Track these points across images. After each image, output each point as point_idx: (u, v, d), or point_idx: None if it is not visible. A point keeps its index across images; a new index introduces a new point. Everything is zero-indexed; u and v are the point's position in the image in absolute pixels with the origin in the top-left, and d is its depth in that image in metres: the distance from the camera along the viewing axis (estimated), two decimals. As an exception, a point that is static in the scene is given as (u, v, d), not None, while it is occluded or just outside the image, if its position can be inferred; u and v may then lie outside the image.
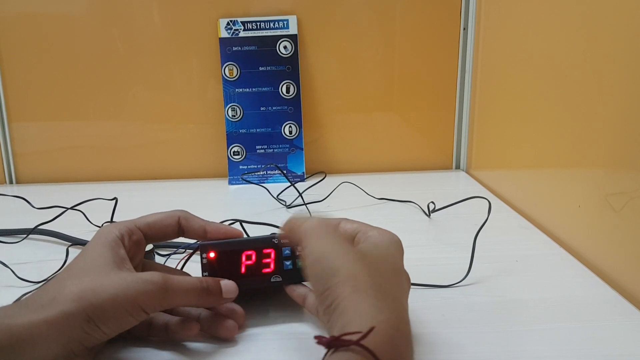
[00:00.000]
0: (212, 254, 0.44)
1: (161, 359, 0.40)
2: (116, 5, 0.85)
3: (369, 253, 0.37)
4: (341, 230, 0.43)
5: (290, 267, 0.44)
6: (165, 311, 0.42)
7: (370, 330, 0.29)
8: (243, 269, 0.43)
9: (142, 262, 0.44)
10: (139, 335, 0.41)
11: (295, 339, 0.42)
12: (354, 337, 0.29)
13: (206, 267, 0.43)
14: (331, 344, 0.29)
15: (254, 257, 0.44)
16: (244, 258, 0.44)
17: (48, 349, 0.33)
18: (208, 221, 0.45)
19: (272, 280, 0.44)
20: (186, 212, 0.45)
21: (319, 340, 0.29)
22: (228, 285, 0.41)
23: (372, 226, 0.42)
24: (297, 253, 0.43)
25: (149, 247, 0.50)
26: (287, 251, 0.44)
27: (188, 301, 0.39)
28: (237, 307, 0.43)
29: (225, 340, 0.42)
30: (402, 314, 0.34)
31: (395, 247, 0.39)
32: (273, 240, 0.44)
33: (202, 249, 0.44)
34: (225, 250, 0.44)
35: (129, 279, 0.36)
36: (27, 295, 0.36)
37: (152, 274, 0.37)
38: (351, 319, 0.31)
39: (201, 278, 0.41)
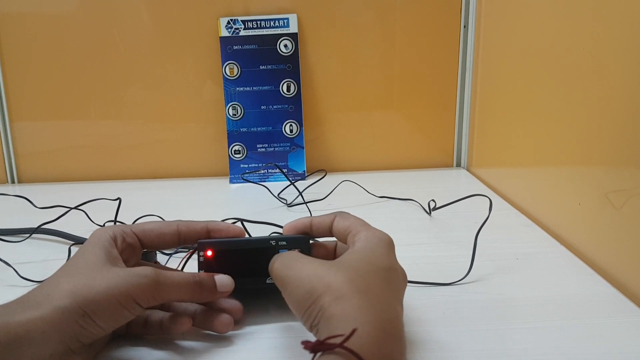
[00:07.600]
0: (209, 252, 0.44)
1: (159, 357, 0.40)
2: (117, 5, 0.85)
3: (350, 259, 0.37)
4: (334, 228, 0.43)
5: None
6: (162, 308, 0.43)
7: (353, 332, 0.30)
8: (239, 269, 0.44)
9: (138, 264, 0.44)
10: (136, 332, 0.42)
11: (294, 337, 0.42)
12: (338, 340, 0.29)
13: (203, 265, 0.44)
14: (316, 348, 0.29)
15: (250, 258, 0.44)
16: (240, 258, 0.44)
17: (44, 345, 0.34)
18: (209, 220, 0.46)
19: (267, 281, 0.44)
20: (186, 220, 0.46)
21: (305, 345, 0.29)
22: (223, 279, 0.42)
23: (363, 225, 0.41)
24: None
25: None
26: None
27: (181, 295, 0.40)
28: (235, 302, 0.43)
29: (221, 335, 0.42)
30: (389, 313, 0.34)
31: (383, 246, 0.39)
32: (270, 242, 0.44)
33: (199, 246, 0.44)
34: (223, 249, 0.44)
35: (121, 274, 0.37)
36: (23, 294, 0.36)
37: (145, 268, 0.38)
38: (337, 325, 0.32)
39: (194, 273, 0.41)
